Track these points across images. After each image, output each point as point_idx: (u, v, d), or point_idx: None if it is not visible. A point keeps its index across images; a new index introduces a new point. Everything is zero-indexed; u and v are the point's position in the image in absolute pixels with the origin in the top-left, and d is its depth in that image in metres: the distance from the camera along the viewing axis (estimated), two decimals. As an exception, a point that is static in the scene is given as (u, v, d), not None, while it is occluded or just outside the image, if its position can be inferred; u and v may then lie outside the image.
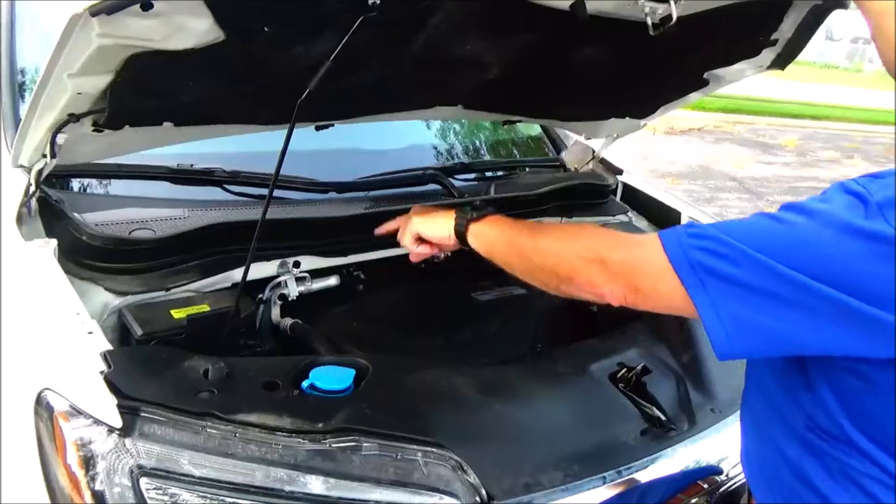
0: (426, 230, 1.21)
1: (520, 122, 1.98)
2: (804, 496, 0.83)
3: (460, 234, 1.14)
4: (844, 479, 0.79)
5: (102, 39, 0.88)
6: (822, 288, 0.69)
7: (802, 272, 0.70)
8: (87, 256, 1.23)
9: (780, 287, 0.71)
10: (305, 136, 1.51)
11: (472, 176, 1.97)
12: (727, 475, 1.23)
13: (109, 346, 1.04)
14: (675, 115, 8.59)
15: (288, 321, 1.40)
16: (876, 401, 0.74)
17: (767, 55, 1.60)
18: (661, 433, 1.20)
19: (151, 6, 0.83)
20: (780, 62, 1.62)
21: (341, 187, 1.64)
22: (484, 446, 1.05)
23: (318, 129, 1.49)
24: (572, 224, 1.12)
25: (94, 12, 0.82)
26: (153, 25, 0.89)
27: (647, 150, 6.76)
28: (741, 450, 0.96)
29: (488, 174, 2.04)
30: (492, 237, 1.10)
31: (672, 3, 1.20)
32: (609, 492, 1.08)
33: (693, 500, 1.17)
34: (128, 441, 0.93)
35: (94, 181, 1.48)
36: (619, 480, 1.10)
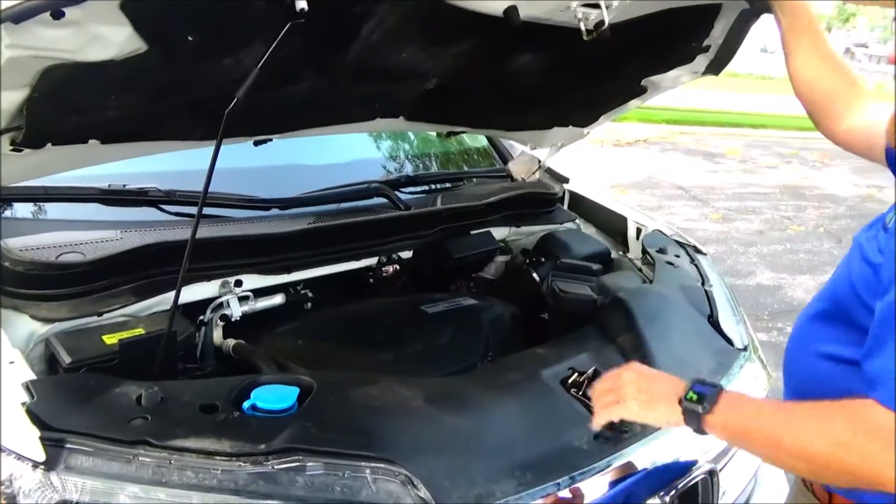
0: (644, 418, 1.00)
1: (463, 132, 1.98)
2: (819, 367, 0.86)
3: (696, 427, 0.94)
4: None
5: (12, 51, 0.84)
6: None
7: None
8: (10, 283, 1.17)
9: None
10: (246, 153, 1.48)
11: (419, 189, 1.95)
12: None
13: (33, 376, 0.98)
14: (621, 128, 8.78)
15: (231, 342, 1.35)
16: None
17: (701, 61, 1.64)
18: (614, 436, 1.19)
19: (63, 14, 0.79)
20: (714, 68, 1.66)
21: (285, 203, 1.60)
22: (434, 459, 1.02)
23: (256, 143, 1.45)
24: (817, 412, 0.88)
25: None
26: (67, 35, 0.85)
27: (595, 162, 6.88)
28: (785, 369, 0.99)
29: (435, 186, 2.03)
30: (740, 429, 0.92)
31: (603, 8, 1.22)
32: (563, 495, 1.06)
33: (653, 501, 1.15)
34: (53, 475, 0.88)
35: (18, 205, 1.41)
36: (574, 486, 1.08)
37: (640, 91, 1.79)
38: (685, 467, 1.21)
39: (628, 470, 1.16)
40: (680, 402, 0.93)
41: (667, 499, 1.14)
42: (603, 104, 1.86)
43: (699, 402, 0.91)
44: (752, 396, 1.01)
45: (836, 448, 0.81)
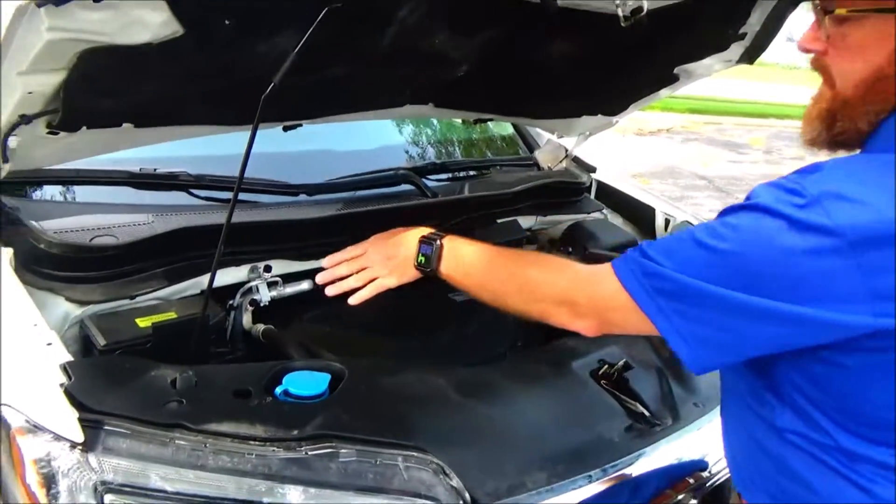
0: (402, 282, 1.17)
1: (491, 120, 1.96)
2: (789, 489, 0.82)
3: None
4: (825, 467, 0.78)
5: (52, 34, 0.84)
6: (761, 302, 0.72)
7: (742, 290, 0.73)
8: (45, 265, 1.18)
9: (724, 308, 0.74)
10: (274, 138, 1.47)
11: (445, 176, 1.94)
12: (710, 471, 1.21)
13: (70, 358, 0.99)
14: (644, 117, 8.70)
15: (260, 327, 1.35)
16: (846, 384, 0.75)
17: (736, 49, 1.61)
18: (645, 429, 1.18)
19: (103, -4, 0.79)
20: (748, 56, 1.63)
21: (312, 189, 1.60)
22: (466, 449, 1.02)
23: (285, 129, 1.45)
24: (533, 256, 1.08)
25: (41, 3, 0.77)
26: (106, 18, 0.85)
27: (617, 152, 6.82)
28: (724, 448, 0.96)
29: (461, 174, 2.01)
30: (463, 273, 1.07)
31: (643, -7, 1.20)
32: (596, 488, 1.05)
33: (680, 497, 1.15)
34: (91, 456, 0.88)
35: (52, 187, 1.42)
36: (605, 479, 1.07)
37: (673, 79, 1.76)
38: (692, 467, 1.20)
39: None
40: (416, 267, 1.11)
41: (693, 502, 1.13)
42: (634, 92, 1.83)
43: (427, 265, 1.09)
44: (472, 242, 1.09)
45: (545, 298, 0.94)
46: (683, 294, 0.77)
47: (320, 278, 1.22)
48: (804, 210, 0.70)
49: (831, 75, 0.80)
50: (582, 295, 0.90)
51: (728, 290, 0.73)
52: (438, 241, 1.09)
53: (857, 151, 0.81)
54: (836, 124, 0.80)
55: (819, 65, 0.82)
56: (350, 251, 1.20)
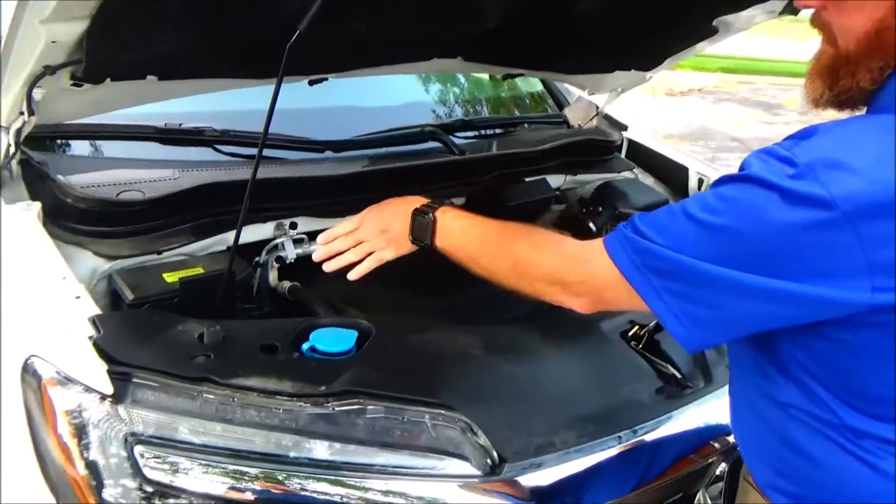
0: (400, 253, 1.14)
1: (521, 75, 1.90)
2: (793, 463, 0.81)
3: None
4: (829, 442, 0.76)
5: (73, -22, 0.81)
6: (756, 279, 0.69)
7: (736, 267, 0.70)
8: (73, 220, 1.18)
9: (718, 286, 0.72)
10: (299, 94, 1.44)
11: (473, 133, 1.90)
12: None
13: (98, 311, 0.99)
14: (674, 77, 8.47)
15: (286, 284, 1.34)
16: (848, 360, 0.73)
17: (779, 1, 1.53)
18: (676, 391, 1.16)
19: (124, -61, 0.76)
20: (792, 7, 1.55)
21: (338, 146, 1.57)
22: (493, 407, 1.01)
23: (311, 83, 1.42)
24: (525, 231, 1.03)
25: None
26: (127, -39, 0.82)
27: (647, 112, 6.66)
28: (731, 421, 0.95)
29: (489, 132, 1.97)
30: (457, 247, 1.05)
31: (685, -63, 1.13)
32: (625, 450, 1.04)
33: (703, 461, 1.13)
34: (120, 408, 0.89)
35: (78, 142, 1.41)
36: (635, 440, 1.06)
37: (711, 32, 1.68)
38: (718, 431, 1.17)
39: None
40: (411, 240, 1.08)
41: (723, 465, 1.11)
42: (670, 46, 1.76)
43: (421, 238, 1.07)
44: (467, 214, 1.06)
45: (538, 279, 0.93)
46: (675, 272, 0.74)
47: (317, 255, 1.18)
48: (797, 180, 0.66)
49: (832, 31, 0.76)
50: (573, 274, 0.89)
51: (721, 267, 0.70)
52: (431, 214, 1.06)
53: (864, 110, 0.77)
54: (839, 82, 0.76)
55: (819, 21, 0.78)
56: (345, 226, 1.17)
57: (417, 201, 1.10)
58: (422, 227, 1.06)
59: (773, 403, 0.81)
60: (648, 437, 1.08)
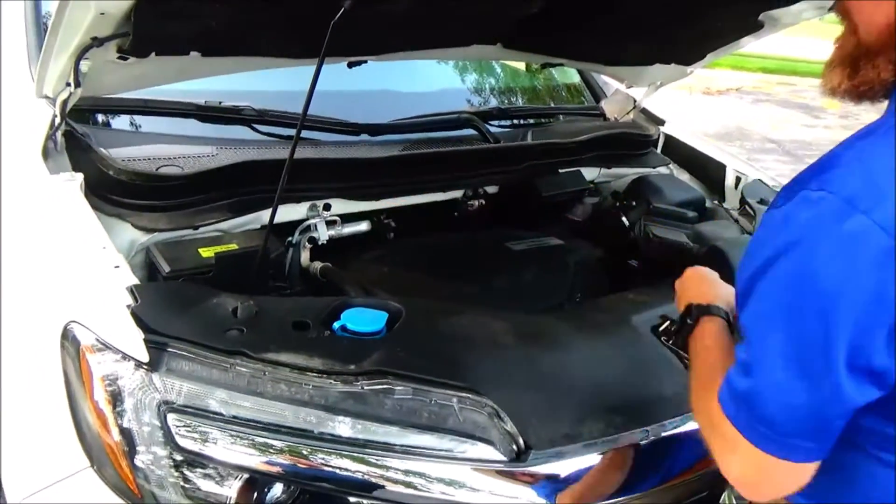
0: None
1: (560, 65, 1.89)
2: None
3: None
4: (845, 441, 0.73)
5: (124, -50, 0.82)
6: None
7: None
8: (114, 192, 1.20)
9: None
10: (337, 77, 1.44)
11: (508, 122, 1.89)
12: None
13: (136, 281, 1.01)
14: (712, 75, 8.31)
15: (318, 265, 1.36)
16: None
17: (831, -6, 1.49)
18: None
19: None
20: (843, 3, 1.50)
21: (374, 129, 1.58)
22: (521, 394, 1.01)
23: (350, 65, 1.42)
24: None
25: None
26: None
27: (682, 110, 6.56)
28: None
29: (525, 121, 1.96)
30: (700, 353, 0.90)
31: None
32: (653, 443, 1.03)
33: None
34: (155, 377, 0.91)
35: (120, 116, 1.43)
36: (664, 434, 1.04)
37: (757, 27, 1.64)
38: None
39: None
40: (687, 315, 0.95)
41: None
42: (713, 39, 1.73)
43: (682, 325, 0.95)
44: (724, 338, 0.91)
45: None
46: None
47: None
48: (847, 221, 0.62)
49: (853, 20, 0.73)
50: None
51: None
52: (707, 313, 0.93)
53: (884, 103, 0.74)
54: (859, 73, 0.73)
55: (841, 9, 0.75)
56: None
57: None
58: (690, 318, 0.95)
59: None
60: (676, 433, 1.06)
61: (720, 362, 0.82)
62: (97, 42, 1.01)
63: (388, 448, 0.93)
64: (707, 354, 0.88)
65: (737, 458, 0.72)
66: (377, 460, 0.92)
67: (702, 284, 1.01)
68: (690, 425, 1.09)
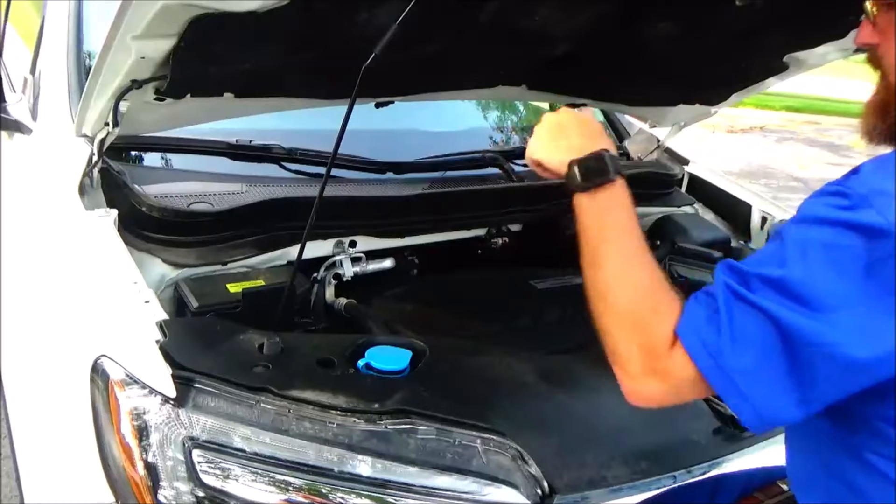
0: (536, 155, 0.97)
1: (584, 105, 1.90)
2: (837, 492, 0.77)
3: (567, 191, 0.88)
4: (871, 469, 0.72)
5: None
6: None
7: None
8: (146, 228, 1.23)
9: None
10: (363, 116, 1.47)
11: (533, 161, 1.90)
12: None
13: (166, 316, 1.02)
14: (736, 114, 8.30)
15: (342, 301, 1.37)
16: None
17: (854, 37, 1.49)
18: (733, 433, 1.12)
19: (216, -38, 0.80)
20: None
21: (399, 168, 1.60)
22: (546, 437, 1.00)
23: (377, 106, 1.45)
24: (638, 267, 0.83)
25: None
26: (217, -16, 0.86)
27: (705, 149, 6.54)
28: (786, 460, 0.89)
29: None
30: (588, 224, 0.86)
31: (761, -29, 1.12)
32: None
33: (770, 501, 1.08)
34: (182, 412, 0.91)
35: (154, 154, 1.48)
36: (690, 480, 1.02)
37: (781, 68, 1.66)
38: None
39: None
40: (572, 163, 0.86)
41: None
42: (738, 81, 1.74)
43: (583, 179, 0.85)
44: (630, 212, 0.85)
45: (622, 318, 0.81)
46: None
47: None
48: (852, 211, 0.66)
49: (884, 65, 0.76)
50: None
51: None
52: (607, 176, 0.85)
53: None
54: (891, 114, 0.76)
55: (874, 58, 0.78)
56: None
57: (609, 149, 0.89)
58: (596, 171, 0.86)
59: (823, 433, 0.77)
60: (703, 479, 1.04)
61: (641, 239, 0.83)
62: (136, 84, 1.05)
63: (409, 489, 0.92)
64: (630, 223, 0.84)
65: (664, 387, 0.75)
66: (396, 500, 0.92)
67: (576, 128, 0.94)
68: (719, 472, 1.07)
